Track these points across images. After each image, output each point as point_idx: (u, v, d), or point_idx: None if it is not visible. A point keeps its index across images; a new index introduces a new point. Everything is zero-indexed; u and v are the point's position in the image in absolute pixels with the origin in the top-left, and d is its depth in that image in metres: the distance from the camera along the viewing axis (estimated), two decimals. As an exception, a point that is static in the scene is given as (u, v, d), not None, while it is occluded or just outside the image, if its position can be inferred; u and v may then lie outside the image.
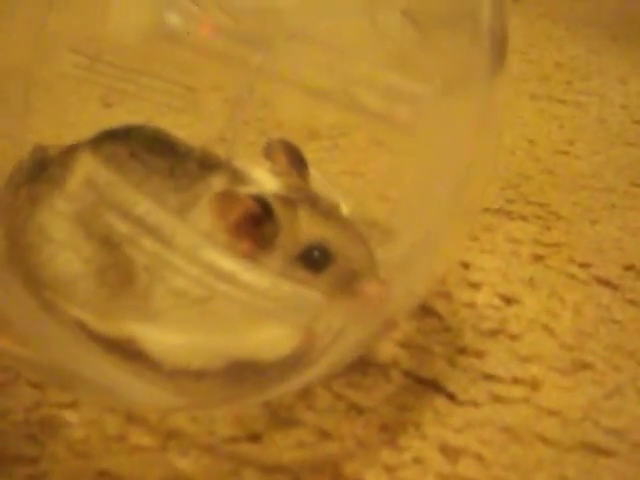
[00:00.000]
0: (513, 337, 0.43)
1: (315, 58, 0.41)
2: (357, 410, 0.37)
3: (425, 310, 0.44)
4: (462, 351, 0.41)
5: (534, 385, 0.39)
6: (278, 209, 0.33)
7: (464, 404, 0.38)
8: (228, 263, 0.33)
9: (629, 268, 0.49)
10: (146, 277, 0.34)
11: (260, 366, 0.34)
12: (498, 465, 0.35)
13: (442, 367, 0.40)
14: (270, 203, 0.33)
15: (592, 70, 0.84)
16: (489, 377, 0.40)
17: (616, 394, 0.39)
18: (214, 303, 0.33)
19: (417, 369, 0.40)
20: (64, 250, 0.34)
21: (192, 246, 0.33)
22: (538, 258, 0.50)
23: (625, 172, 0.62)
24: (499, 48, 0.32)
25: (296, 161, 0.37)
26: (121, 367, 0.34)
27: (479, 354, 0.41)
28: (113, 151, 0.36)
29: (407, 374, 0.39)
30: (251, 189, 0.34)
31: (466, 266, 0.48)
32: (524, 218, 0.54)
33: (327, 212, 0.35)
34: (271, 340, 0.34)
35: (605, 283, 0.48)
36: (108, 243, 0.34)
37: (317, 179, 0.38)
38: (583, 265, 0.49)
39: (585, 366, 0.41)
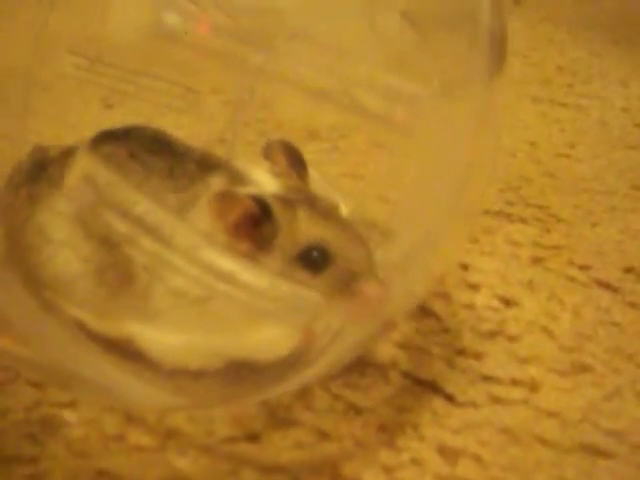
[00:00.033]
0: (512, 339, 0.43)
1: (315, 59, 0.41)
2: (355, 411, 0.37)
3: (424, 311, 0.44)
4: (461, 352, 0.41)
5: (533, 387, 0.39)
6: (277, 210, 0.33)
7: (463, 405, 0.38)
8: (227, 263, 0.33)
9: (629, 271, 0.49)
10: (145, 277, 0.34)
11: (259, 366, 0.34)
12: (497, 466, 0.35)
13: (441, 368, 0.40)
14: (269, 203, 0.33)
15: (593, 73, 0.84)
16: (488, 378, 0.40)
17: (615, 396, 0.39)
18: (213, 303, 0.34)
19: (416, 370, 0.40)
20: (63, 250, 0.35)
21: (191, 246, 0.33)
22: (538, 260, 0.50)
23: (626, 175, 0.62)
24: (498, 49, 0.32)
25: (295, 162, 0.37)
26: (120, 367, 0.34)
27: (478, 355, 0.41)
28: (112, 151, 0.36)
29: (406, 375, 0.39)
30: (250, 189, 0.34)
31: (465, 268, 0.48)
32: (524, 220, 0.54)
33: (326, 213, 0.35)
34: (270, 340, 0.34)
35: (605, 286, 0.48)
36: (107, 243, 0.34)
37: (316, 180, 0.38)
38: (583, 267, 0.49)
39: (584, 368, 0.41)
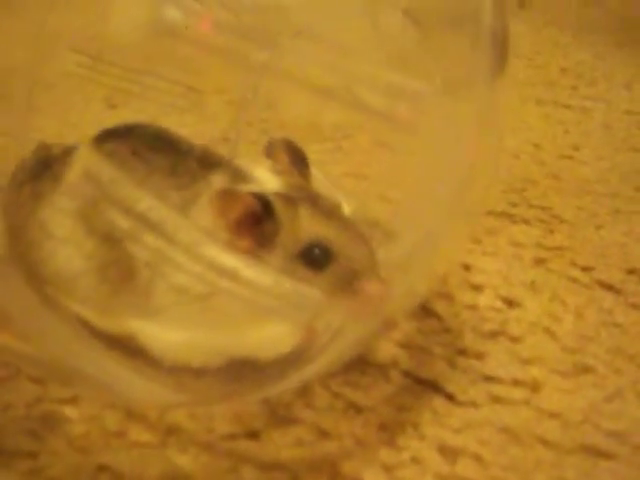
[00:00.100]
0: (514, 339, 0.43)
1: (318, 56, 0.41)
2: (356, 409, 0.37)
3: (426, 311, 0.44)
4: (462, 352, 0.41)
5: (534, 387, 0.39)
6: (279, 207, 0.33)
7: (463, 405, 0.38)
8: (229, 260, 0.33)
9: (632, 272, 0.49)
10: (147, 273, 0.34)
11: (260, 363, 0.34)
12: (497, 466, 0.35)
13: (442, 368, 0.40)
14: (271, 201, 0.33)
15: (597, 76, 0.84)
16: (489, 378, 0.40)
17: (617, 397, 0.39)
18: (215, 300, 0.34)
19: (417, 369, 0.40)
20: (66, 246, 0.35)
21: (193, 243, 0.33)
22: (540, 261, 0.50)
23: (630, 177, 0.62)
24: (500, 49, 0.32)
25: (297, 160, 0.37)
26: (121, 363, 0.34)
27: (479, 355, 0.41)
28: (115, 149, 0.36)
29: (406, 374, 0.39)
30: (252, 187, 0.34)
31: (468, 268, 0.48)
32: (527, 222, 0.54)
33: (328, 211, 0.35)
34: (272, 338, 0.34)
35: (607, 287, 0.48)
36: (110, 239, 0.34)
37: (319, 179, 0.38)
38: (585, 269, 0.49)
39: (586, 369, 0.41)
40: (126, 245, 0.34)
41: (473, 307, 0.45)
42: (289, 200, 0.34)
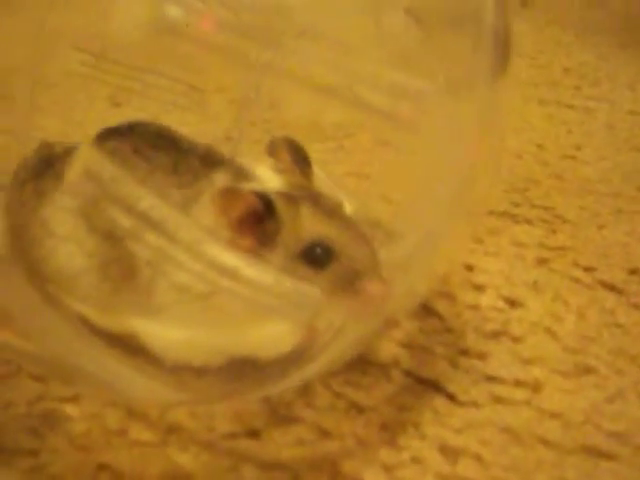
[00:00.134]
0: (516, 339, 0.43)
1: (320, 55, 0.41)
2: (357, 409, 0.37)
3: (428, 311, 0.44)
4: (464, 352, 0.41)
5: (536, 387, 0.39)
6: (280, 206, 0.33)
7: (464, 405, 0.38)
8: (230, 259, 0.33)
9: (634, 272, 0.49)
10: (148, 272, 0.34)
11: (261, 362, 0.34)
12: (497, 466, 0.35)
13: (443, 368, 0.40)
14: (272, 200, 0.33)
15: (601, 76, 0.84)
16: (491, 379, 0.40)
17: (618, 398, 0.39)
18: (216, 299, 0.34)
19: (418, 369, 0.40)
20: (67, 244, 0.35)
21: (195, 241, 0.33)
22: (543, 261, 0.50)
23: (632, 177, 0.62)
24: (502, 48, 0.32)
25: (300, 159, 0.37)
26: (122, 362, 0.34)
27: (481, 355, 0.41)
28: (117, 147, 0.36)
29: (408, 374, 0.39)
30: (254, 186, 0.34)
31: (470, 268, 0.48)
32: (529, 221, 0.54)
33: (330, 210, 0.35)
34: (273, 337, 0.34)
35: (610, 287, 0.48)
36: (111, 237, 0.34)
37: (321, 178, 0.38)
38: (588, 269, 0.49)
39: (588, 369, 0.41)
40: (127, 243, 0.34)
41: (475, 307, 0.45)
42: (291, 199, 0.34)
